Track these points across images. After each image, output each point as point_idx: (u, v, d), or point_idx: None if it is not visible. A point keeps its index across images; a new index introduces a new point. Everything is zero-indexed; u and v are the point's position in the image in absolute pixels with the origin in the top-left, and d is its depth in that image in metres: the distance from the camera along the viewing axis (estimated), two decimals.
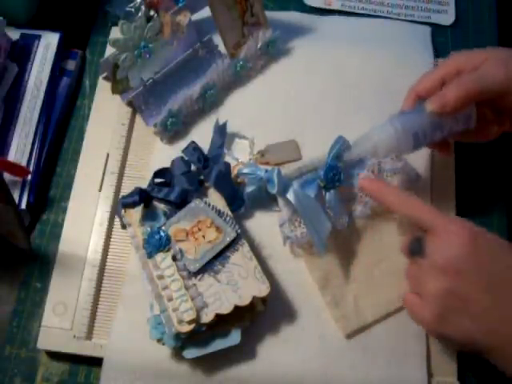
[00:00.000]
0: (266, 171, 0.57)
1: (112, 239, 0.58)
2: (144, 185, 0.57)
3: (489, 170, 0.63)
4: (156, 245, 0.52)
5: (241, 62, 0.64)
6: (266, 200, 0.59)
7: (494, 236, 0.48)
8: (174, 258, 0.52)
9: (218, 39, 0.63)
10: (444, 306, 0.46)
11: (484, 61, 0.52)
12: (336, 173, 0.56)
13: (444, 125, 0.53)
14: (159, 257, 0.52)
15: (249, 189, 0.58)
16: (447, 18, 0.72)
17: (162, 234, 0.53)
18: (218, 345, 0.51)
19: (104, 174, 0.60)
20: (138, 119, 0.63)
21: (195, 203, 0.55)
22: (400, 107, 0.62)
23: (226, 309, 0.50)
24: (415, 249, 0.50)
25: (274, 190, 0.57)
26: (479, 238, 0.47)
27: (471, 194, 0.62)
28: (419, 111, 0.53)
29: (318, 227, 0.54)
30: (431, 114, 0.52)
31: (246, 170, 0.58)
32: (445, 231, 0.47)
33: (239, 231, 0.53)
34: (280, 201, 0.58)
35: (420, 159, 0.61)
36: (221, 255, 0.52)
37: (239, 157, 0.61)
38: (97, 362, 0.53)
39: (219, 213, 0.54)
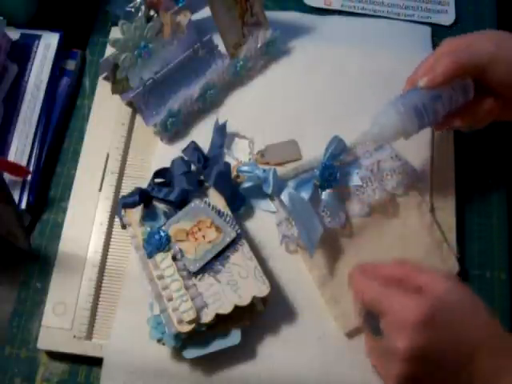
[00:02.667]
0: (264, 171, 0.58)
1: (112, 239, 0.58)
2: (144, 185, 0.57)
3: (488, 170, 0.63)
4: (156, 245, 0.52)
5: (241, 62, 0.64)
6: (263, 197, 0.59)
7: (450, 306, 0.45)
8: (174, 258, 0.52)
9: (218, 39, 0.63)
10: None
11: (476, 39, 0.53)
12: (332, 172, 0.57)
13: (442, 95, 0.53)
14: (159, 257, 0.52)
15: (246, 184, 0.58)
16: (447, 17, 0.72)
17: (162, 234, 0.53)
18: (218, 345, 0.51)
19: (104, 173, 0.60)
20: (138, 119, 0.63)
21: (195, 203, 0.55)
22: None
23: (226, 309, 0.50)
24: (374, 329, 0.48)
25: (269, 191, 0.57)
26: (429, 322, 0.44)
27: (471, 193, 0.62)
28: (416, 90, 0.53)
29: (309, 230, 0.54)
30: (425, 88, 0.52)
31: (244, 168, 0.59)
32: (393, 316, 0.46)
33: (239, 231, 0.53)
34: (276, 201, 0.58)
35: (420, 159, 0.61)
36: (221, 255, 0.52)
37: (239, 157, 0.61)
38: (97, 362, 0.53)
39: (219, 213, 0.54)
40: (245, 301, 0.50)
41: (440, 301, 0.45)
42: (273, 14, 0.67)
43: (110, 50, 0.65)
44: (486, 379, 0.44)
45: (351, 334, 0.54)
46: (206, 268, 0.52)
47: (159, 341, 0.51)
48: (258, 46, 0.64)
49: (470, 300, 0.46)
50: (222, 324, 0.51)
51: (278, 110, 0.64)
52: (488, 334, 0.45)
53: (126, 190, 0.60)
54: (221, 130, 0.61)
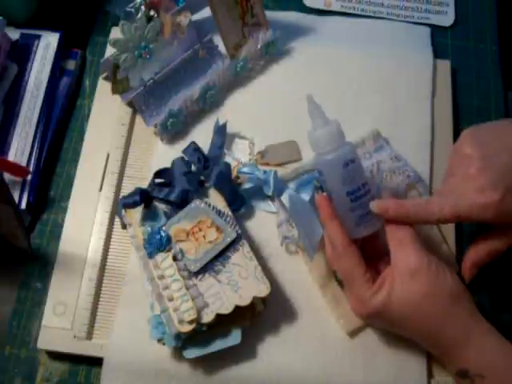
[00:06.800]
0: (265, 172, 0.58)
1: (112, 239, 0.58)
2: (144, 185, 0.57)
3: None
4: (156, 245, 0.52)
5: (241, 63, 0.64)
6: (263, 198, 0.59)
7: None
8: (175, 258, 0.52)
9: (218, 40, 0.63)
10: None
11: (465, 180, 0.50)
12: None
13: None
14: (160, 257, 0.52)
15: (246, 185, 0.58)
16: (447, 18, 0.72)
17: (163, 234, 0.53)
18: (219, 345, 0.51)
19: (104, 173, 0.60)
20: (139, 119, 0.63)
21: (196, 203, 0.55)
22: (399, 108, 0.62)
23: (226, 309, 0.50)
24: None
25: (269, 192, 0.57)
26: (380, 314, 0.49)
27: None
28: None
29: (309, 232, 0.54)
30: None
31: (245, 169, 0.59)
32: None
33: (239, 231, 0.53)
34: (277, 202, 0.58)
35: (420, 159, 0.61)
36: (221, 255, 0.52)
37: (239, 157, 0.61)
38: (97, 361, 0.53)
39: (219, 213, 0.54)
40: (245, 301, 0.50)
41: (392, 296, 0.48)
42: (273, 15, 0.68)
43: (110, 50, 0.65)
44: (456, 341, 0.48)
45: (353, 334, 0.54)
46: (207, 268, 0.52)
47: (160, 341, 0.51)
48: (259, 46, 0.64)
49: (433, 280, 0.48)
50: (222, 324, 0.51)
51: (278, 111, 0.64)
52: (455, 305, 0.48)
53: (126, 189, 0.60)
54: (221, 131, 0.61)
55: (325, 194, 0.52)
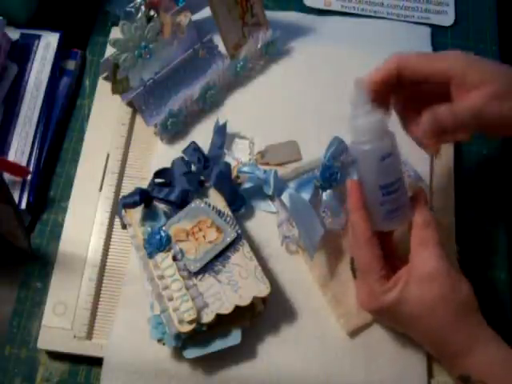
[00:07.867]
0: (265, 172, 0.58)
1: (112, 239, 0.58)
2: (144, 185, 0.57)
3: (488, 170, 0.63)
4: (156, 245, 0.52)
5: (241, 63, 0.64)
6: (263, 198, 0.59)
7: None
8: (175, 258, 0.52)
9: (218, 39, 0.63)
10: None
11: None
12: (332, 173, 0.57)
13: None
14: (160, 257, 0.52)
15: (246, 185, 0.58)
16: (447, 18, 0.72)
17: (163, 234, 0.53)
18: (219, 345, 0.51)
19: (104, 173, 0.60)
20: (139, 119, 0.63)
21: (196, 203, 0.55)
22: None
23: (226, 309, 0.50)
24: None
25: (269, 192, 0.57)
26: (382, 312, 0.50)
27: (470, 193, 0.62)
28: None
29: (310, 231, 0.54)
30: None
31: (245, 169, 0.59)
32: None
33: (239, 231, 0.53)
34: (277, 201, 0.58)
35: (420, 159, 0.61)
36: (221, 255, 0.52)
37: (239, 157, 0.61)
38: (97, 361, 0.53)
39: (219, 213, 0.54)
40: (245, 301, 0.50)
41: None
42: (273, 15, 0.68)
43: (110, 50, 0.65)
44: (461, 348, 0.47)
45: (353, 334, 0.54)
46: (207, 268, 0.52)
47: (159, 341, 0.51)
48: (258, 46, 0.64)
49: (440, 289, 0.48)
50: (222, 324, 0.51)
51: (278, 111, 0.64)
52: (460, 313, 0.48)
53: (126, 189, 0.60)
54: (221, 131, 0.61)
55: (356, 179, 0.51)
